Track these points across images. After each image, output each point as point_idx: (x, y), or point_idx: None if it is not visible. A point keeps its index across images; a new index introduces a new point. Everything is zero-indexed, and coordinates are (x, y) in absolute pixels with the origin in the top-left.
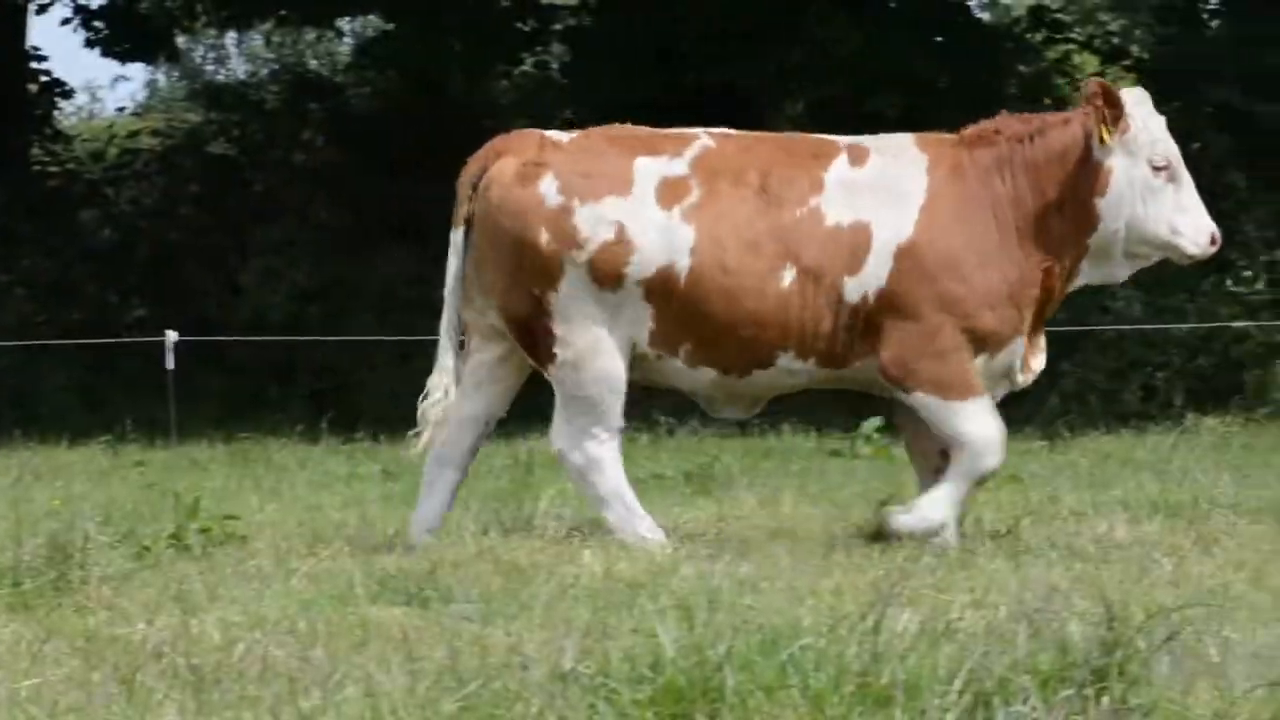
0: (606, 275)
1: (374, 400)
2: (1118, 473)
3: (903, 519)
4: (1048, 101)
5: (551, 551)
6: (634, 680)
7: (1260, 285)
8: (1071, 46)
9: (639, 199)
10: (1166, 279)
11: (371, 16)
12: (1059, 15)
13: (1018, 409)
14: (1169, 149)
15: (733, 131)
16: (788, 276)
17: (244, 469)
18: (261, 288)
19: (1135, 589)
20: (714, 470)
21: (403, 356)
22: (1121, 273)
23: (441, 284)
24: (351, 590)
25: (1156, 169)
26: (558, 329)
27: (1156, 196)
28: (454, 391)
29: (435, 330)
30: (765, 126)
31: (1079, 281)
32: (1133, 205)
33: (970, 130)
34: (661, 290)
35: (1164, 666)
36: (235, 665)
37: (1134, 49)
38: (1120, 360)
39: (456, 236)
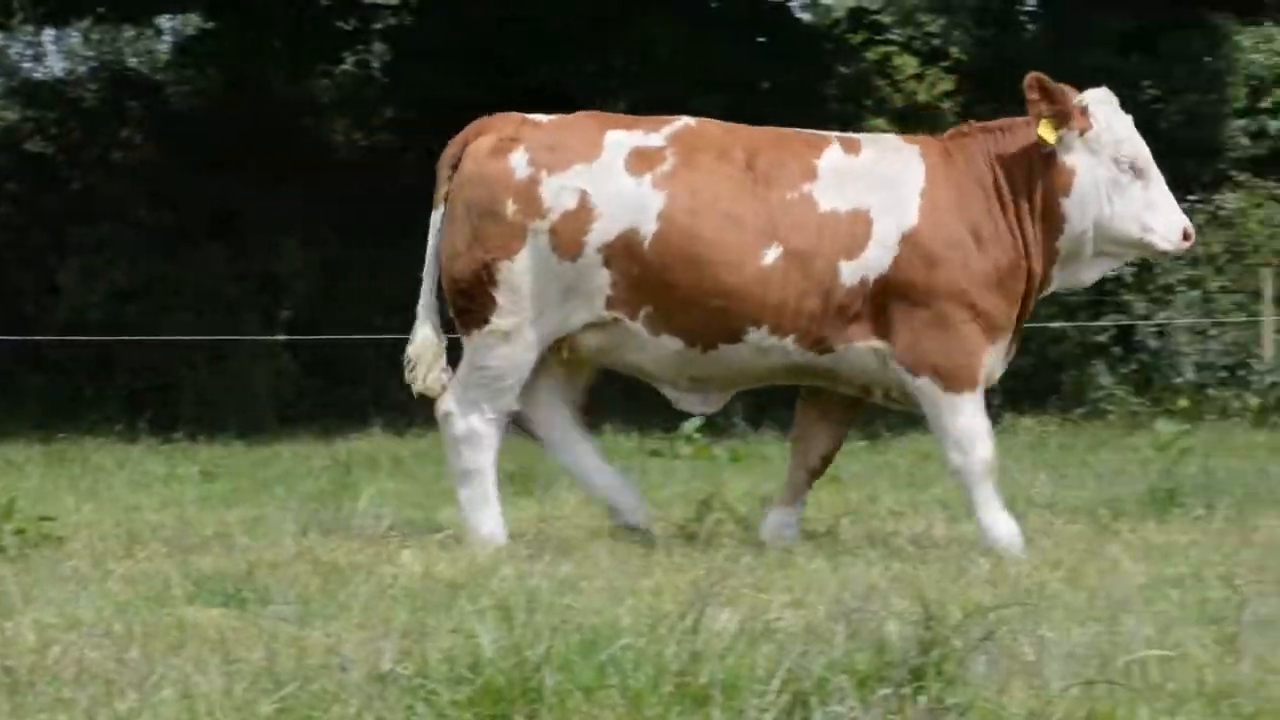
0: (566, 243)
1: (192, 400)
2: (937, 472)
3: (987, 541)
4: (868, 102)
5: (370, 552)
6: (453, 681)
7: None
8: (892, 48)
9: (606, 167)
10: None
11: (191, 14)
12: (878, 17)
13: None
14: (1135, 147)
15: (717, 121)
16: (770, 255)
17: (61, 470)
18: (80, 287)
19: (953, 588)
20: (536, 470)
21: (220, 356)
22: (1089, 275)
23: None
24: (168, 591)
25: (1121, 167)
26: (501, 298)
27: (1124, 194)
28: (436, 367)
29: (254, 330)
30: None
31: (1054, 286)
32: (1099, 204)
33: (949, 132)
34: (623, 254)
35: (980, 666)
36: (50, 668)
37: (953, 50)
38: None
39: (436, 216)
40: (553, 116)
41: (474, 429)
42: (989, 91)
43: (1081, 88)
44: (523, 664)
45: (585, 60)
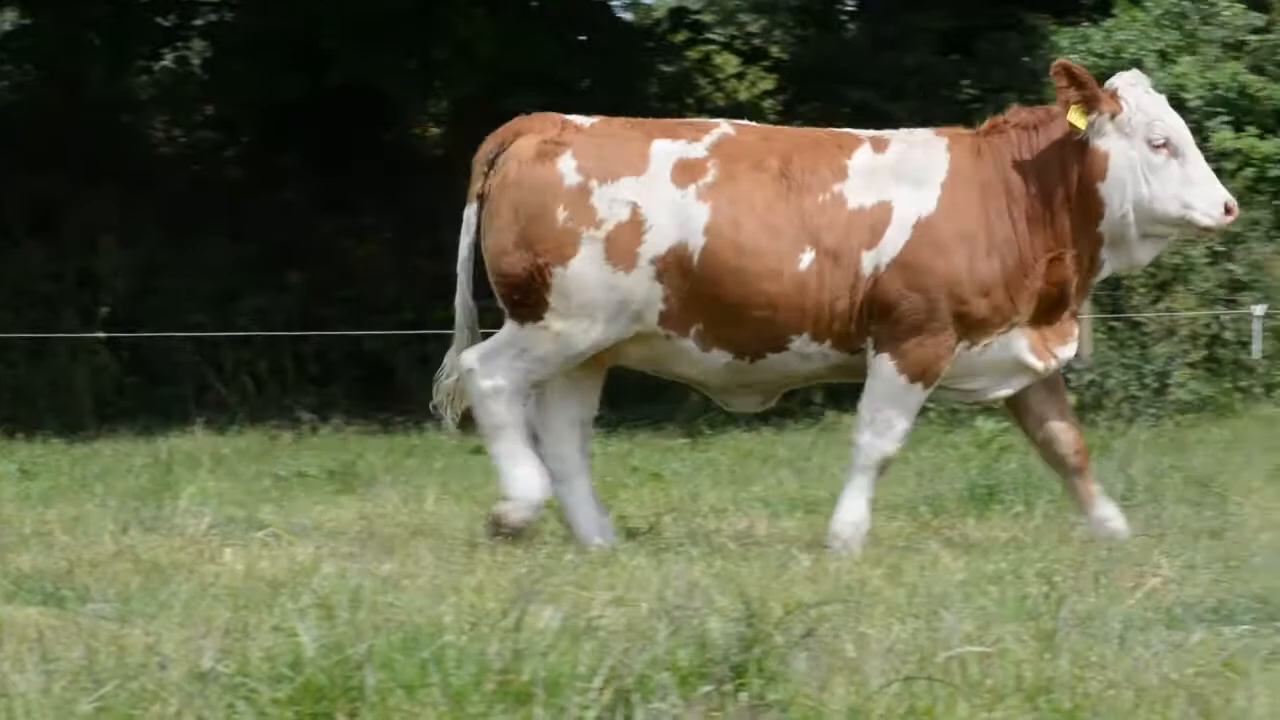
0: (621, 254)
1: (10, 397)
2: (758, 470)
3: (832, 542)
4: (689, 101)
5: (191, 550)
6: (274, 679)
7: None
8: (713, 47)
9: (653, 178)
10: None
11: (8, 9)
12: (700, 16)
13: (657, 406)
14: (1168, 125)
15: (753, 124)
16: (806, 259)
17: None
18: None
19: (774, 585)
20: (357, 468)
21: (38, 353)
22: (1143, 255)
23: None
24: None
25: (1155, 147)
26: (553, 301)
27: (1160, 174)
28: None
29: (73, 327)
30: (408, 125)
31: (1106, 270)
32: (1136, 186)
33: (986, 124)
34: (675, 268)
35: (801, 662)
36: None
37: (774, 50)
38: None
39: (469, 213)
40: (593, 120)
41: (499, 386)
42: (810, 90)
43: (903, 87)
44: (344, 662)
45: (405, 56)
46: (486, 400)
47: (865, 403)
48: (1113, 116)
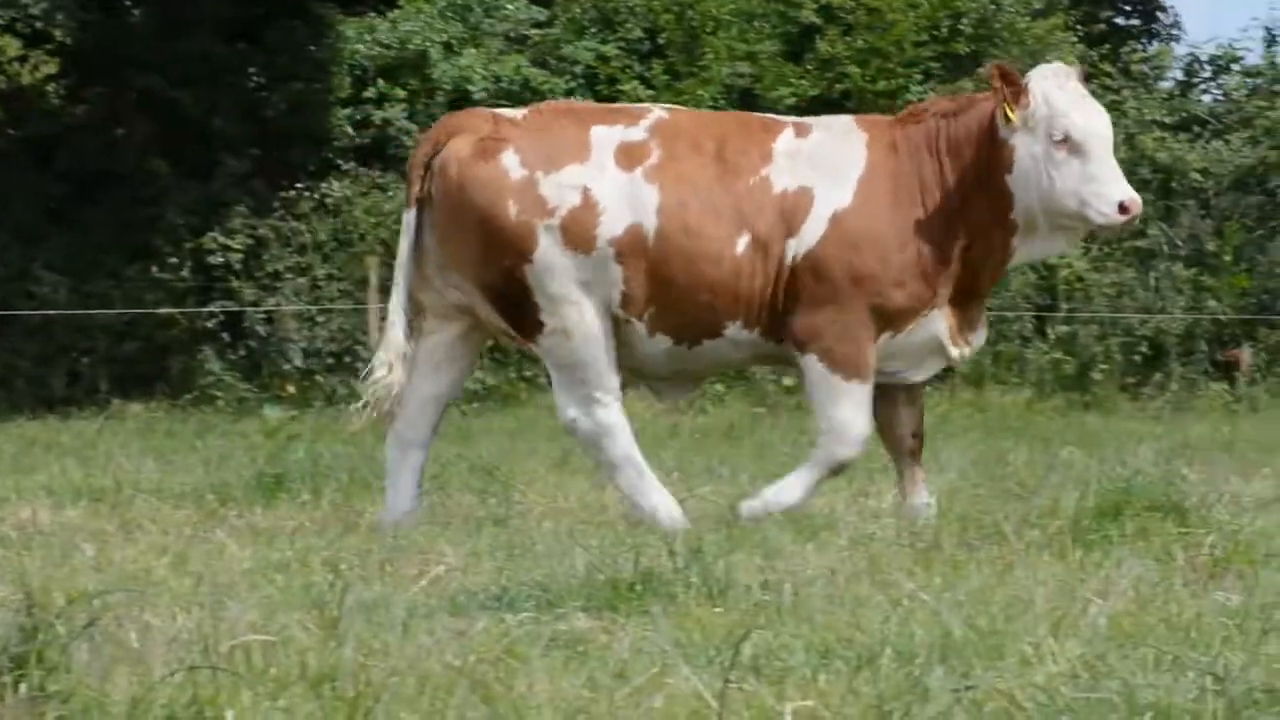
0: (578, 239)
1: None
2: (42, 458)
3: (749, 505)
4: None
5: None
6: None
7: (185, 272)
8: None
9: (599, 164)
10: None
11: None
12: None
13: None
14: (1069, 121)
15: (680, 107)
16: (741, 244)
17: None
18: None
19: (57, 574)
20: None
21: None
22: (1056, 247)
23: None
24: None
25: (1056, 142)
26: (539, 299)
27: (1061, 169)
28: (398, 369)
29: None
30: None
31: (1020, 258)
32: (1039, 180)
33: (905, 111)
34: (631, 250)
35: (84, 653)
36: None
37: (57, 33)
38: (47, 345)
39: (408, 217)
40: (523, 111)
41: (601, 423)
42: (95, 76)
43: (190, 74)
44: None
45: None
46: (596, 442)
47: (816, 411)
48: (1021, 111)
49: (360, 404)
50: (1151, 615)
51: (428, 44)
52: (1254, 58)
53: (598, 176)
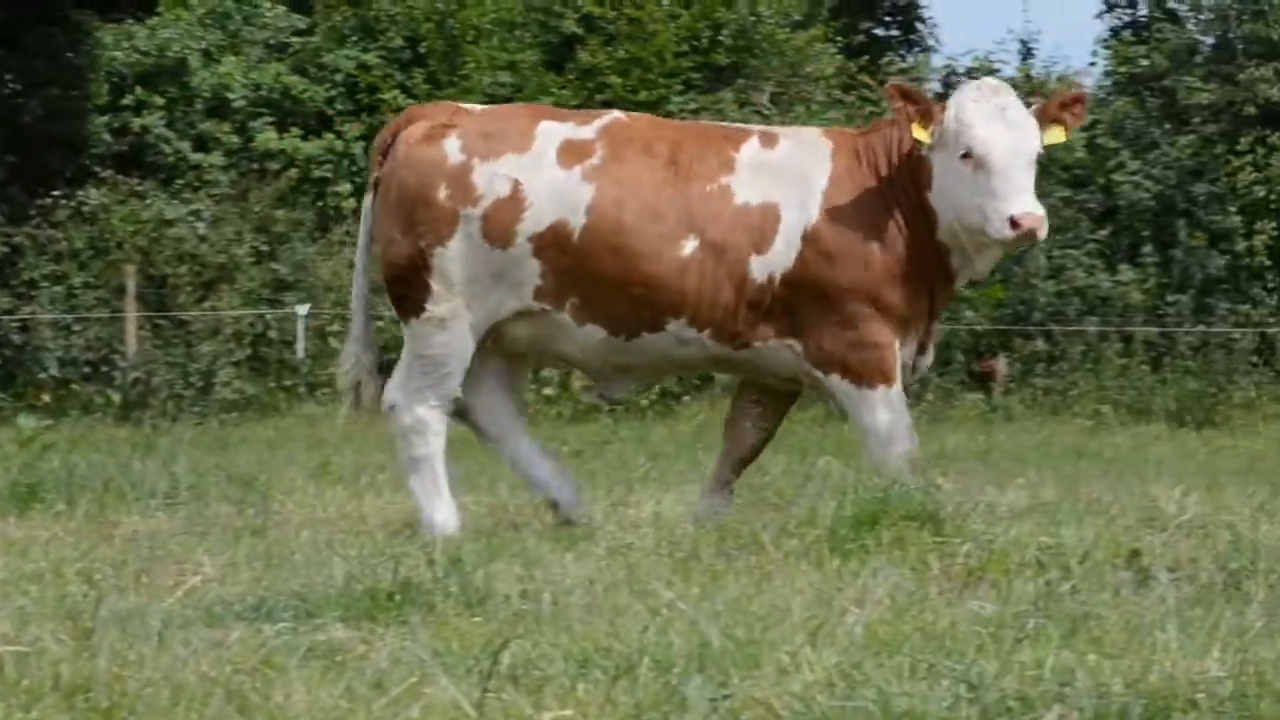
0: (498, 231)
1: None
2: None
3: None
4: None
5: None
6: None
7: None
8: None
9: (538, 158)
10: None
11: None
12: None
13: None
14: (972, 135)
15: (646, 115)
16: (689, 246)
17: None
18: None
19: None
20: None
21: None
22: (983, 265)
23: None
24: None
25: (962, 157)
26: (435, 284)
27: (966, 184)
28: (365, 358)
29: None
30: None
31: (963, 277)
32: (953, 195)
33: (871, 124)
34: (552, 245)
35: None
36: None
37: None
38: None
39: (367, 201)
40: (487, 106)
41: (420, 418)
42: None
43: (16, 80)
44: None
45: None
46: (409, 434)
47: (855, 425)
48: (936, 126)
49: (336, 398)
50: (907, 624)
51: (187, 51)
52: (1010, 70)
53: (534, 170)
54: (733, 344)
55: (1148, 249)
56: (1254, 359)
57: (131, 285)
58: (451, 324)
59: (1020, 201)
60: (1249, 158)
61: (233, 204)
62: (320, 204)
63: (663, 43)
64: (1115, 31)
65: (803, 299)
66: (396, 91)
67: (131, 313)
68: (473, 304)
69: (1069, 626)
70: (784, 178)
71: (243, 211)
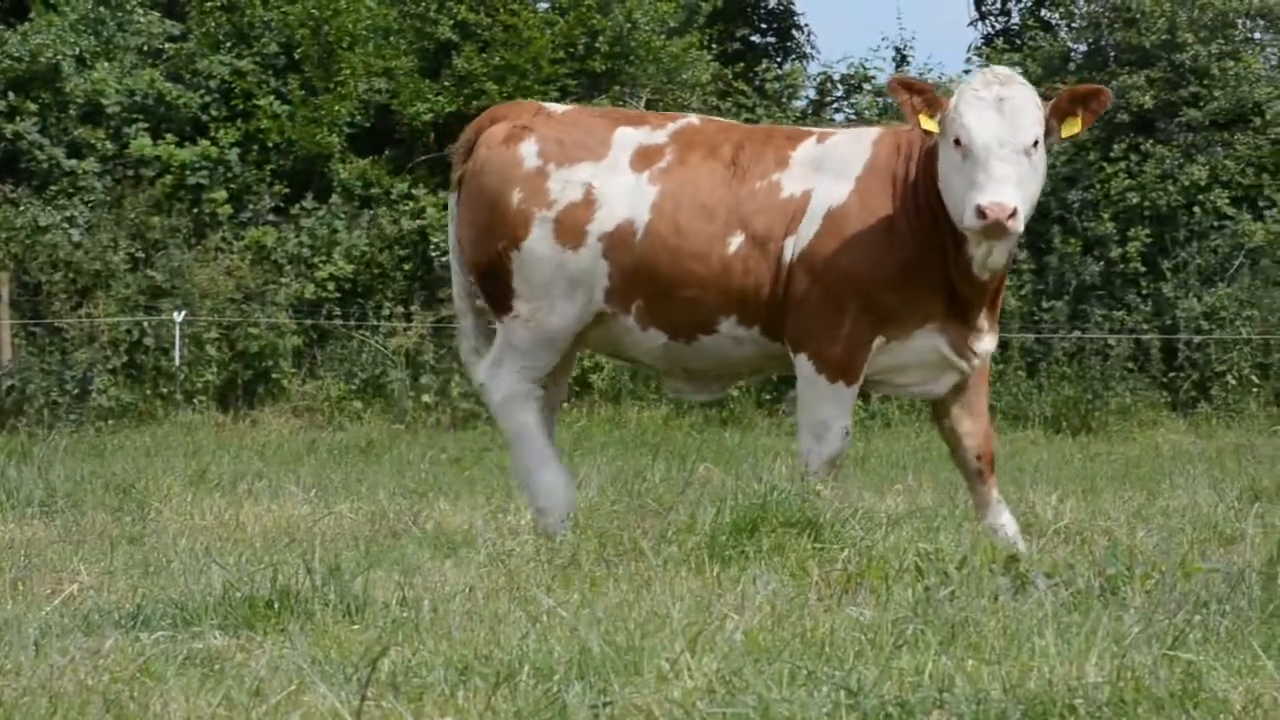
0: (569, 232)
1: None
2: None
3: None
4: None
5: None
6: None
7: None
8: None
9: (612, 164)
10: None
11: None
12: None
13: None
14: (960, 124)
15: (720, 119)
16: (734, 242)
17: None
18: None
19: None
20: None
21: None
22: (982, 256)
23: None
24: None
25: (955, 145)
26: (517, 284)
27: (956, 172)
28: (483, 350)
29: None
30: None
31: (983, 265)
32: (947, 184)
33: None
34: (620, 246)
35: None
36: None
37: None
38: None
39: (451, 201)
40: (568, 107)
41: (510, 391)
42: None
43: None
44: None
45: None
46: (502, 409)
47: (799, 408)
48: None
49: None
50: (787, 630)
51: (60, 57)
52: (884, 77)
53: (607, 176)
54: (782, 340)
55: (1023, 256)
56: (1129, 365)
57: (5, 293)
58: (539, 321)
59: (991, 191)
60: (1122, 165)
61: (107, 211)
62: (196, 210)
63: (538, 49)
64: (988, 39)
65: (803, 275)
66: (271, 98)
67: (5, 320)
68: (555, 307)
69: (948, 632)
70: (825, 165)
71: (118, 218)
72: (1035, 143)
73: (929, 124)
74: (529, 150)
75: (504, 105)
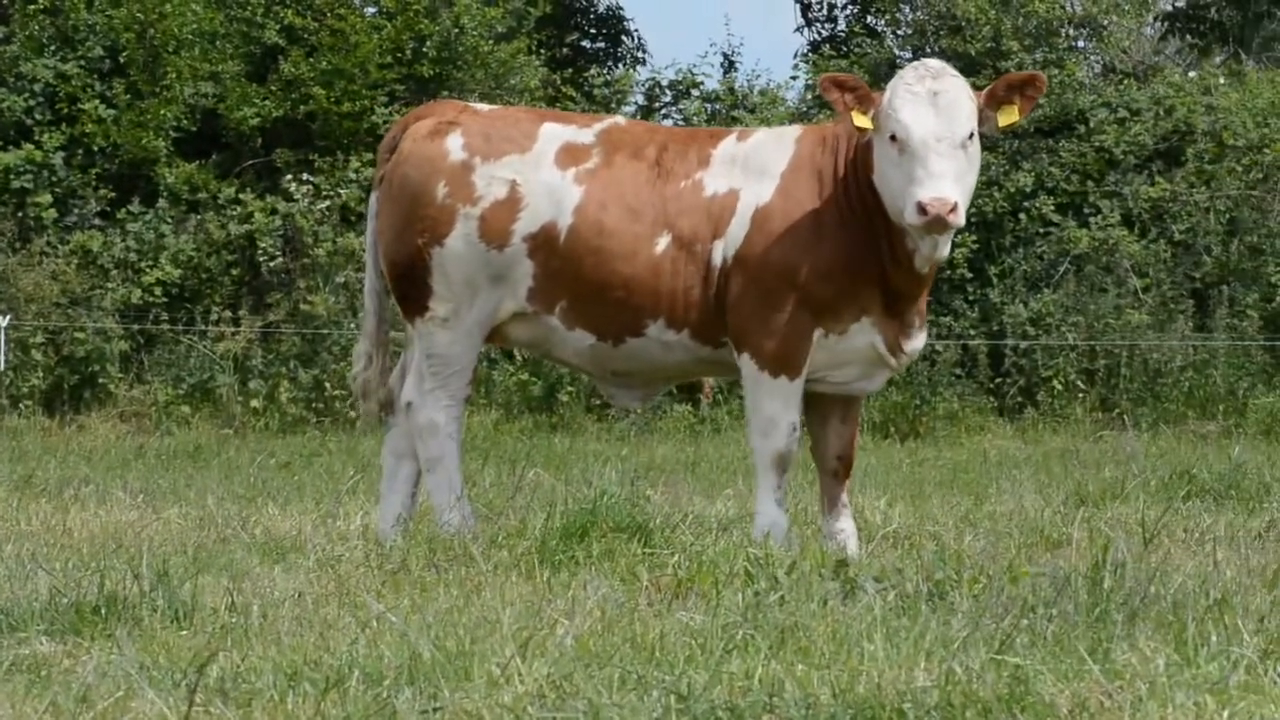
0: (494, 232)
1: None
2: None
3: (754, 529)
4: None
5: None
6: None
7: None
8: None
9: (537, 160)
10: None
11: None
12: None
13: None
14: (896, 118)
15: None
16: (661, 243)
17: None
18: None
19: None
20: None
21: None
22: (928, 250)
23: None
24: None
25: (891, 140)
26: (435, 283)
27: (893, 168)
28: (377, 358)
29: None
30: None
31: (921, 262)
32: (884, 179)
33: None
34: (544, 246)
35: None
36: None
37: None
38: None
39: (373, 199)
40: (494, 106)
41: (433, 419)
42: None
43: None
44: None
45: None
46: (424, 433)
47: (747, 406)
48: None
49: (350, 400)
50: (617, 635)
51: None
52: (713, 83)
53: (532, 172)
54: (714, 343)
55: None
56: (957, 371)
57: None
58: (455, 322)
59: (931, 186)
60: None
61: None
62: (20, 215)
63: (365, 54)
64: (815, 45)
65: (738, 276)
66: (97, 101)
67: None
68: (474, 303)
69: (777, 637)
70: (749, 164)
71: None
72: (971, 135)
73: (862, 120)
74: (454, 144)
75: (430, 104)
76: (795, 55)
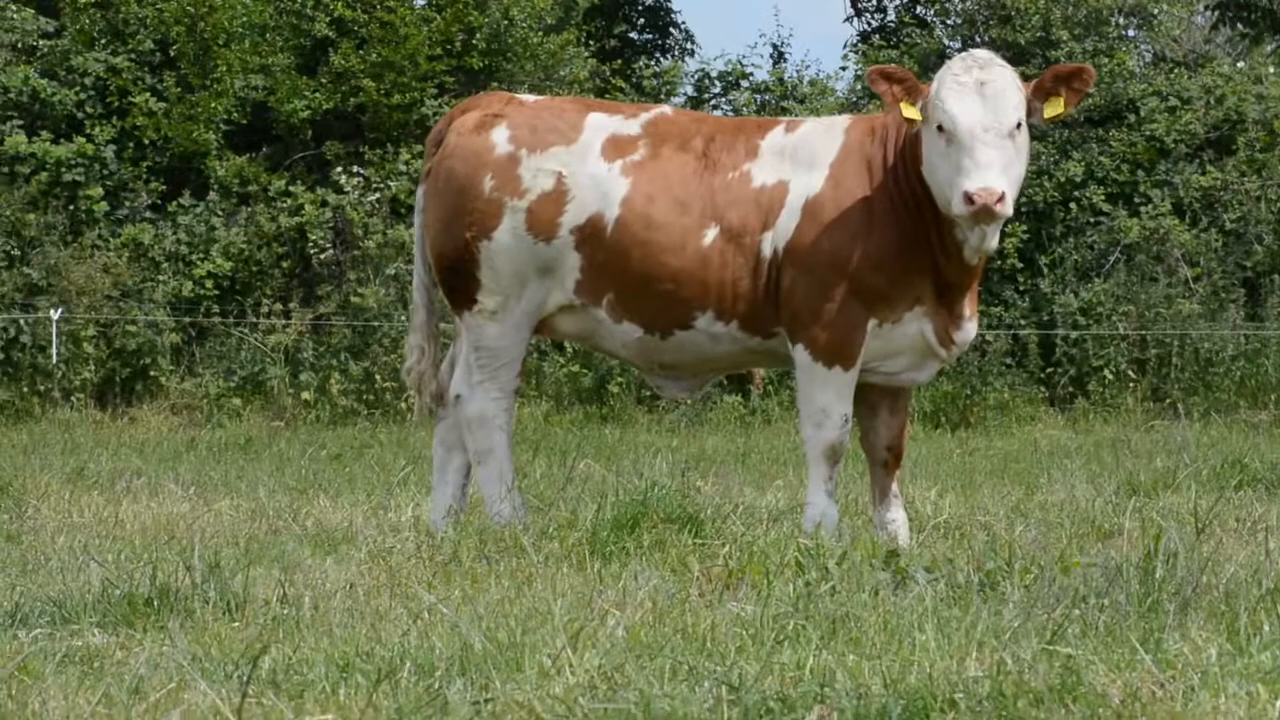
0: (541, 225)
1: None
2: None
3: (804, 520)
4: None
5: None
6: None
7: None
8: None
9: (582, 151)
10: None
11: None
12: None
13: None
14: (943, 109)
15: (690, 111)
16: (709, 235)
17: None
18: None
19: None
20: None
21: None
22: (976, 241)
23: None
24: None
25: (939, 131)
26: (483, 276)
27: (941, 158)
28: (429, 350)
29: None
30: None
31: (971, 253)
32: (933, 170)
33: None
34: (591, 239)
35: None
36: None
37: None
38: None
39: (420, 192)
40: (540, 97)
41: (483, 410)
42: None
43: None
44: None
45: None
46: (473, 426)
47: (799, 396)
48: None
49: (403, 392)
50: (668, 626)
51: None
52: (762, 74)
53: (578, 164)
54: (764, 333)
55: None
56: (1007, 361)
57: None
58: (504, 314)
59: (978, 177)
60: None
61: None
62: (72, 208)
63: (415, 46)
64: (865, 36)
65: (790, 267)
66: (147, 95)
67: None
68: (522, 295)
69: (829, 627)
70: (797, 155)
71: None
72: (1018, 125)
73: (911, 111)
74: (500, 136)
75: (475, 96)
76: (845, 46)
